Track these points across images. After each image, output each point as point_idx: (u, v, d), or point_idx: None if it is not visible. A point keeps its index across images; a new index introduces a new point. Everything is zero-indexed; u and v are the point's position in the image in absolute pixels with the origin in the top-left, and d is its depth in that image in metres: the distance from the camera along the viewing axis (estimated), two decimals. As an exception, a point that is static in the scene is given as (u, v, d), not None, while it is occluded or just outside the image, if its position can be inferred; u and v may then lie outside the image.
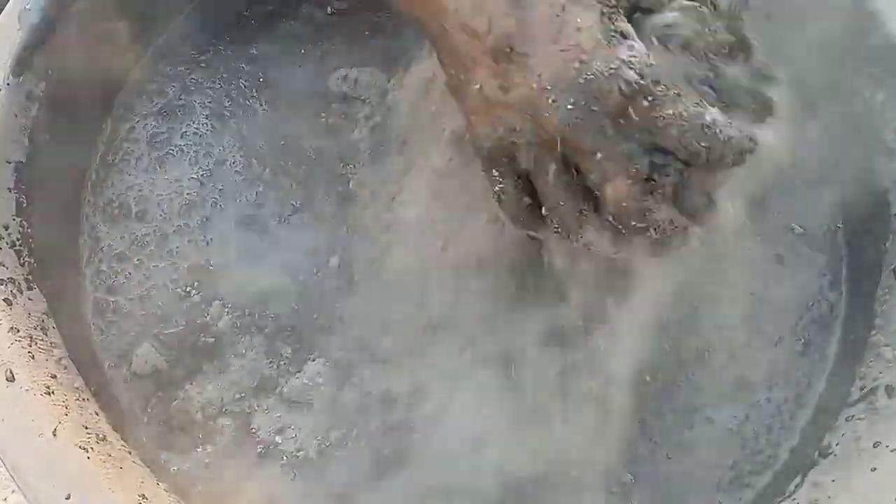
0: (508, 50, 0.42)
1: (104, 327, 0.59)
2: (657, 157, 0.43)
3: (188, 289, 0.60)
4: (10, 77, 0.56)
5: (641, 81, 0.41)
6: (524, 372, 0.57)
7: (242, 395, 0.57)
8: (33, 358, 0.50)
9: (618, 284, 0.53)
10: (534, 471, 0.54)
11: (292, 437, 0.56)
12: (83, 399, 0.52)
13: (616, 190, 0.43)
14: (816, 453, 0.53)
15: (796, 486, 0.51)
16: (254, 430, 0.56)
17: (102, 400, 0.53)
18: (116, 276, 0.61)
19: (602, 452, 0.55)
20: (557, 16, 0.42)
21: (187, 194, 0.64)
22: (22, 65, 0.56)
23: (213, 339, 0.59)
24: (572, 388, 0.56)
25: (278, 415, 0.57)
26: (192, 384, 0.58)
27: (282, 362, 0.58)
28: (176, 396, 0.57)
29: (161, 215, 0.63)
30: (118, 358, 0.58)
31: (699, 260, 0.55)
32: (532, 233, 0.52)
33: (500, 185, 0.48)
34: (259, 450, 0.56)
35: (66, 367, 0.52)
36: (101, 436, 0.50)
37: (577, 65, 0.41)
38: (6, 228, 0.55)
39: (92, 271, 0.61)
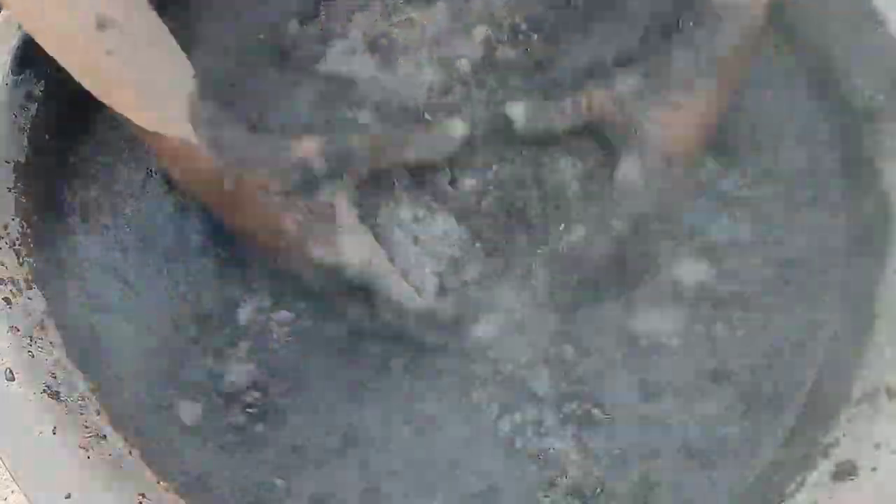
0: None
1: (103, 325, 0.59)
2: None
3: (185, 285, 0.60)
4: (10, 77, 0.56)
5: None
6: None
7: (242, 394, 0.57)
8: (33, 357, 0.51)
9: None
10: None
11: (289, 436, 0.57)
12: (83, 398, 0.52)
13: None
14: (817, 454, 0.53)
15: (797, 487, 0.51)
16: (253, 427, 0.57)
17: (102, 399, 0.53)
18: (115, 274, 0.61)
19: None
20: None
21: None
22: (21, 65, 0.56)
23: (212, 339, 0.59)
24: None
25: (276, 413, 0.57)
26: (192, 382, 0.58)
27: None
28: (176, 394, 0.57)
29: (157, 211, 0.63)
30: (118, 356, 0.58)
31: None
32: None
33: None
34: (258, 446, 0.56)
35: (66, 367, 0.52)
36: (101, 435, 0.50)
37: None
38: (6, 228, 0.55)
39: (90, 269, 0.61)
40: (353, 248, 0.54)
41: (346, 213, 0.53)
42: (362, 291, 0.55)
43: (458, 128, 0.54)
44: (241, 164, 0.52)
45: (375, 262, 0.54)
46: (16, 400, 0.48)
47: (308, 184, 0.52)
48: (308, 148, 0.52)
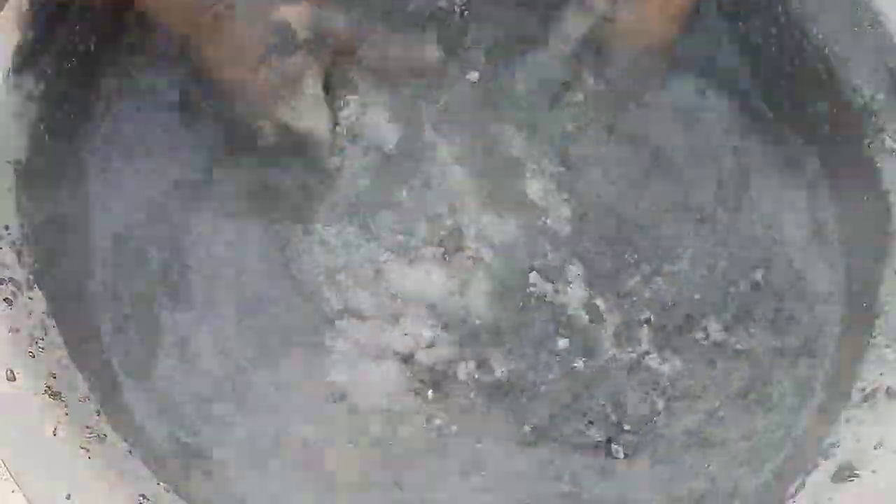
0: None
1: (104, 326, 0.59)
2: None
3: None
4: (10, 77, 0.56)
5: None
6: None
7: (244, 395, 0.58)
8: (34, 358, 0.51)
9: None
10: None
11: (289, 434, 0.57)
12: (83, 398, 0.52)
13: None
14: (817, 455, 0.53)
15: (797, 489, 0.51)
16: (254, 426, 0.57)
17: (103, 399, 0.53)
18: (117, 274, 0.61)
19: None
20: None
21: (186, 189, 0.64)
22: (21, 65, 0.56)
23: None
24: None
25: (277, 415, 0.57)
26: (192, 381, 0.58)
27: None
28: (178, 394, 0.57)
29: (158, 210, 0.63)
30: (118, 356, 0.58)
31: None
32: None
33: None
34: (261, 446, 0.56)
35: (66, 367, 0.52)
36: (101, 435, 0.50)
37: None
38: (6, 228, 0.55)
39: (91, 269, 0.61)
40: (307, 116, 0.59)
41: (311, 84, 0.58)
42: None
43: (433, 51, 0.60)
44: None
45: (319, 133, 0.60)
46: (16, 400, 0.48)
47: (285, 45, 0.56)
48: (295, 12, 0.55)
